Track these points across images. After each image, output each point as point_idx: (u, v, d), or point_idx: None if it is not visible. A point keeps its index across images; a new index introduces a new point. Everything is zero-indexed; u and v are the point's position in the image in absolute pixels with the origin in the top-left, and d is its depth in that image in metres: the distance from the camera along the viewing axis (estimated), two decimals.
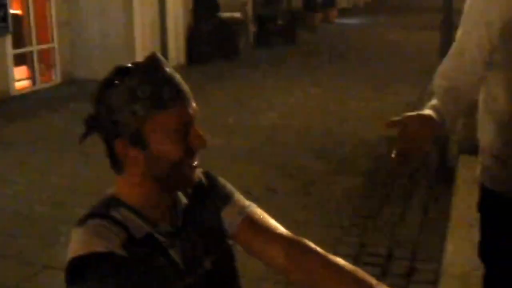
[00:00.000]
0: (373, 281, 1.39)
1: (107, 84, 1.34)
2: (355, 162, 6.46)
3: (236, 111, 8.74)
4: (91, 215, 1.35)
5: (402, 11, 26.18)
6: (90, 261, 1.26)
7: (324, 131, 7.71)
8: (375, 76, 11.17)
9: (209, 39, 13.30)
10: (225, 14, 14.27)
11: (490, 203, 2.28)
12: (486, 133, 2.25)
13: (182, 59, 13.09)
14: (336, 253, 4.24)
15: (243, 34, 15.13)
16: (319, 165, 6.34)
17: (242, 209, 1.51)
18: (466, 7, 2.17)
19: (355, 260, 4.20)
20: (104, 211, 1.36)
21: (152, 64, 1.34)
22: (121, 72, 1.34)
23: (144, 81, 1.31)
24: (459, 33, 2.21)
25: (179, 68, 12.71)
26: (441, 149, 5.78)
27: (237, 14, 14.87)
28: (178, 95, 1.34)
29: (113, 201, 1.38)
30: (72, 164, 6.33)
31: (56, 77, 11.08)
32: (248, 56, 14.13)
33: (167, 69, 1.35)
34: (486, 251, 2.35)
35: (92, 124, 1.36)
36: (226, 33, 13.73)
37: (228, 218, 1.51)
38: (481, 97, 2.26)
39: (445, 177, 5.44)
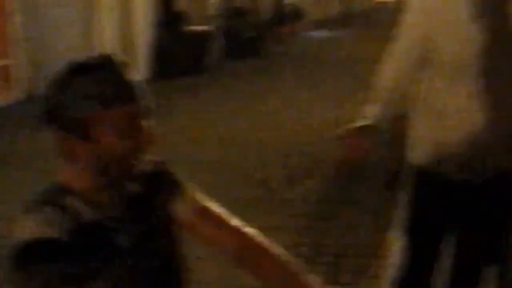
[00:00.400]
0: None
1: (59, 81, 1.42)
2: (313, 170, 6.73)
3: (201, 124, 8.96)
4: (39, 202, 1.43)
5: (372, 24, 26.61)
6: (35, 247, 1.35)
7: (287, 142, 7.97)
8: (341, 88, 11.47)
9: (176, 53, 13.25)
10: (193, 27, 14.39)
11: (420, 181, 2.67)
12: (422, 124, 2.62)
13: (147, 73, 13.07)
14: (294, 254, 4.48)
15: (211, 47, 15.30)
16: (279, 173, 6.60)
17: (193, 199, 1.64)
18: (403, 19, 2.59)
19: (311, 260, 4.47)
20: (51, 198, 1.44)
21: (102, 63, 1.42)
22: (72, 70, 1.42)
23: (92, 80, 1.39)
24: (397, 40, 2.61)
25: (146, 82, 12.76)
26: (397, 153, 6.05)
27: (205, 27, 15.04)
28: (126, 94, 1.42)
29: (60, 188, 1.46)
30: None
31: (15, 93, 10.63)
32: (216, 70, 14.32)
33: (117, 68, 1.43)
34: (412, 225, 2.74)
35: (45, 119, 1.44)
36: (193, 46, 13.77)
37: (178, 206, 1.62)
38: (418, 94, 2.63)
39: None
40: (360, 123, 2.58)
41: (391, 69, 2.65)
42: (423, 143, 2.65)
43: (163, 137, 1.45)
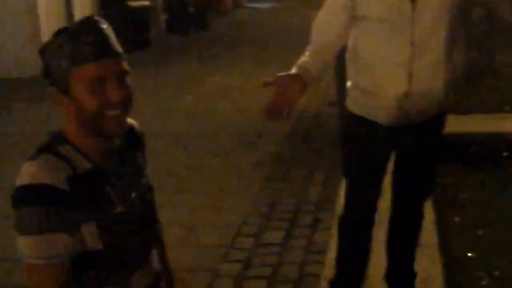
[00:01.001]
0: None
1: (47, 42, 1.58)
2: (264, 133, 6.93)
3: (152, 98, 9.03)
4: (41, 149, 1.57)
5: None
6: (33, 190, 1.50)
7: (236, 111, 8.15)
8: (283, 55, 11.64)
9: (118, 28, 13.18)
10: (134, 3, 14.30)
11: (353, 125, 2.98)
12: (353, 73, 2.92)
13: None
14: (251, 214, 4.71)
15: (154, 22, 15.25)
16: (233, 140, 6.78)
17: None
18: None
19: (268, 218, 4.69)
20: (51, 146, 1.58)
21: (82, 23, 1.56)
22: (55, 33, 1.57)
23: (69, 39, 1.53)
24: None
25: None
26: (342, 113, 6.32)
27: (146, 2, 14.96)
28: (98, 52, 1.53)
29: (60, 138, 1.60)
30: None
31: None
32: (159, 44, 14.32)
33: (97, 27, 1.56)
34: (348, 166, 3.05)
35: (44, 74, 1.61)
36: (135, 21, 13.68)
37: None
38: (349, 46, 2.89)
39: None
40: (292, 71, 2.77)
41: (323, 22, 2.86)
42: (355, 93, 2.94)
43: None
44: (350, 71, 2.95)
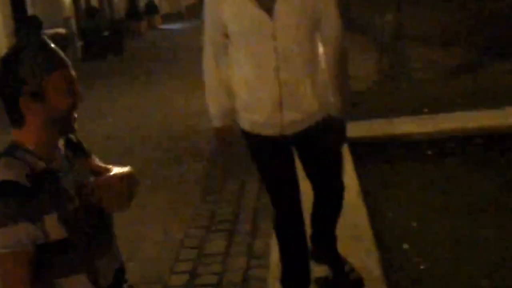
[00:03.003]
0: None
1: (7, 60, 1.77)
2: (195, 150, 7.11)
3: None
4: (6, 151, 1.78)
5: None
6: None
7: (161, 128, 8.31)
8: (193, 75, 11.84)
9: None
10: (49, 31, 14.21)
11: (250, 140, 3.22)
12: (235, 90, 3.13)
13: None
14: (191, 226, 4.84)
15: (69, 49, 15.17)
16: (165, 156, 6.92)
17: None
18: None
19: (208, 229, 4.85)
20: (9, 152, 1.79)
21: (39, 40, 1.81)
22: (15, 50, 1.78)
23: (39, 51, 1.77)
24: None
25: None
26: None
27: (61, 30, 14.88)
28: (62, 61, 1.80)
29: (14, 146, 1.80)
30: None
31: None
32: (76, 70, 14.14)
33: (50, 43, 1.81)
34: (261, 175, 3.34)
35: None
36: None
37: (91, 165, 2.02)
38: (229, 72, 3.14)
39: None
40: (214, 124, 3.22)
41: (209, 63, 3.16)
42: (239, 109, 3.16)
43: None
44: (234, 88, 3.15)
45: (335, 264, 3.49)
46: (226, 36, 3.03)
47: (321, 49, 3.08)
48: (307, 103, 3.03)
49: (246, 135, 3.19)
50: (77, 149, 1.99)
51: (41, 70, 1.76)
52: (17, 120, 1.80)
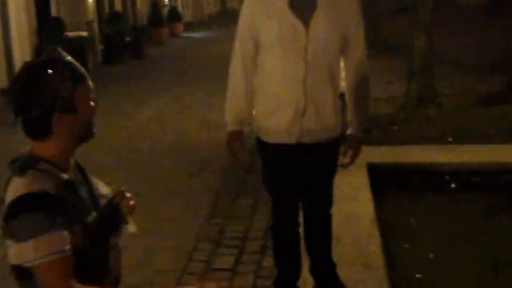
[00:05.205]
0: None
1: (36, 75, 1.80)
2: (209, 162, 7.08)
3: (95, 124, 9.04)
4: (23, 168, 1.79)
5: None
6: (32, 197, 1.71)
7: (176, 138, 8.29)
8: (214, 84, 11.82)
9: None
10: (72, 33, 14.30)
11: (263, 149, 3.36)
12: (259, 102, 3.30)
13: None
14: (201, 239, 4.80)
15: (91, 52, 15.26)
16: (178, 167, 6.90)
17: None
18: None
19: (216, 244, 4.82)
20: (29, 164, 1.80)
21: (60, 56, 1.85)
22: (43, 65, 1.81)
23: (64, 67, 1.82)
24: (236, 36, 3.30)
25: None
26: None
27: (83, 33, 14.98)
28: (83, 73, 1.87)
29: (34, 159, 1.82)
30: None
31: None
32: (96, 74, 14.28)
33: (69, 57, 1.87)
34: (267, 183, 3.47)
35: (22, 109, 1.81)
36: (73, 52, 13.65)
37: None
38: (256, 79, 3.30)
39: None
40: (228, 128, 3.35)
41: (237, 69, 3.29)
42: (259, 116, 3.32)
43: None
44: (255, 96, 3.31)
45: None
46: (256, 45, 3.19)
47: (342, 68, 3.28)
48: (326, 115, 3.22)
49: (262, 144, 3.33)
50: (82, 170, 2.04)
51: (71, 84, 1.81)
52: (42, 133, 1.83)
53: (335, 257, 3.61)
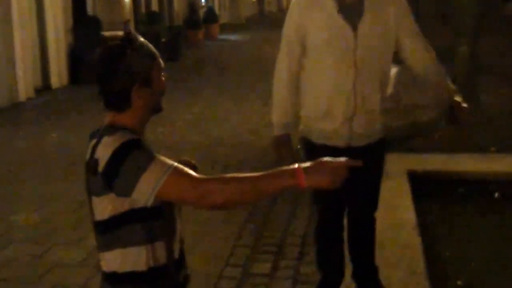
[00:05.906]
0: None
1: (118, 54, 1.98)
2: (246, 166, 7.03)
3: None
4: (111, 130, 1.98)
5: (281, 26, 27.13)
6: (133, 141, 1.93)
7: (213, 141, 8.26)
8: (260, 89, 11.80)
9: (91, 58, 13.08)
10: (108, 33, 14.29)
11: (311, 152, 3.29)
12: (305, 99, 3.32)
13: (64, 79, 13.04)
14: (237, 244, 4.76)
15: None
16: (215, 170, 6.85)
17: None
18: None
19: (255, 250, 4.76)
20: (112, 131, 1.97)
21: (136, 36, 2.05)
22: (124, 44, 1.99)
23: (142, 44, 2.02)
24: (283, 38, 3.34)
25: (62, 89, 12.71)
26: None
27: (119, 32, 15.00)
28: (156, 52, 2.05)
29: (115, 127, 1.99)
30: None
31: None
32: None
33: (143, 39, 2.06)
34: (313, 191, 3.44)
35: (105, 83, 2.00)
36: None
37: None
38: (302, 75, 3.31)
39: None
40: (275, 132, 3.37)
41: (283, 72, 3.31)
42: (306, 118, 3.34)
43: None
44: (302, 98, 3.33)
45: None
46: (303, 48, 3.21)
47: (392, 71, 3.28)
48: (374, 118, 3.24)
49: (312, 146, 3.32)
50: None
51: (148, 60, 2.01)
52: (122, 105, 2.01)
53: (377, 262, 3.61)
